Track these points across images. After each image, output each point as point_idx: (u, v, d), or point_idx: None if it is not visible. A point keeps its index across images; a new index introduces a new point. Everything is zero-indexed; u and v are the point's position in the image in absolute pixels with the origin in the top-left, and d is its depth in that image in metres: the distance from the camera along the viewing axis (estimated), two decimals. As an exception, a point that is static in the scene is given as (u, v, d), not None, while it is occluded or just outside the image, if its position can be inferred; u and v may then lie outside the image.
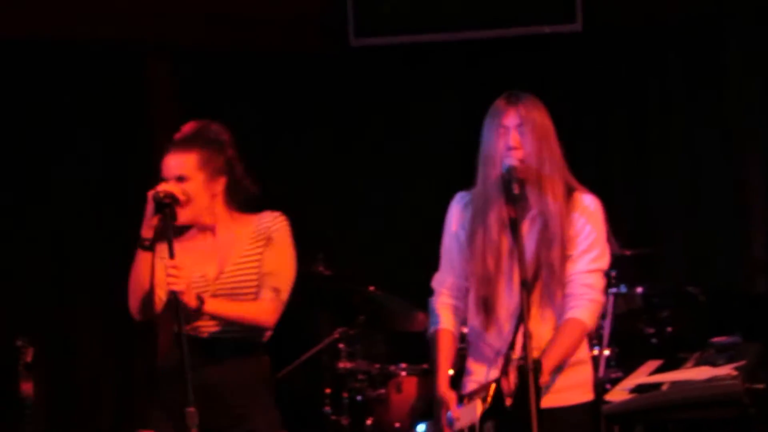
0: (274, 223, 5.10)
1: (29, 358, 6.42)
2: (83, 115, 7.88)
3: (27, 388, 6.35)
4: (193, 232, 5.10)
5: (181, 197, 4.92)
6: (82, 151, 7.89)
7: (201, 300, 4.84)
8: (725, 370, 5.47)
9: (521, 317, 4.67)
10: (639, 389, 5.65)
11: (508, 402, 4.62)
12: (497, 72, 8.42)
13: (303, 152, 8.39)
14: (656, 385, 5.62)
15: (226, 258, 5.09)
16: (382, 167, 8.67)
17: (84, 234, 7.81)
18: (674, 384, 5.55)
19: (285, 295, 5.05)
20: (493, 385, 4.70)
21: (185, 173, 5.00)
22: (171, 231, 4.88)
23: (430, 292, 5.15)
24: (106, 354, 7.90)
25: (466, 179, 5.05)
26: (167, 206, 4.87)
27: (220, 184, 5.08)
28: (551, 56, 8.34)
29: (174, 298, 4.78)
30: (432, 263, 5.15)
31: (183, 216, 4.98)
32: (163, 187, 4.90)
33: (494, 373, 4.82)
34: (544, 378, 4.65)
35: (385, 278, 7.83)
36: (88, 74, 7.89)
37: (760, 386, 5.37)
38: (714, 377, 5.45)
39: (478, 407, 4.73)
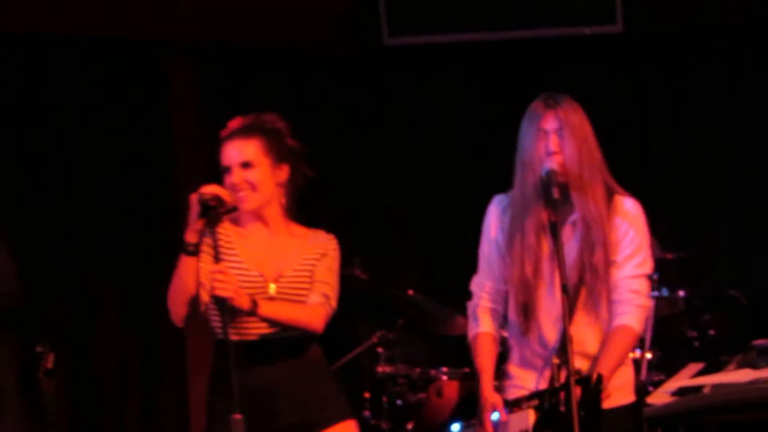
0: (330, 245, 5.13)
1: (50, 364, 6.46)
2: (106, 112, 7.88)
3: (47, 392, 6.39)
4: (249, 227, 5.09)
5: (228, 198, 4.85)
6: (104, 150, 7.88)
7: (255, 303, 4.81)
8: (767, 373, 5.49)
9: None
10: (681, 392, 5.63)
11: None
12: (535, 72, 8.49)
13: (333, 153, 8.30)
14: (698, 388, 5.60)
15: (285, 263, 5.08)
16: (414, 167, 8.70)
17: (106, 234, 7.80)
18: (716, 387, 5.53)
19: (334, 302, 5.08)
20: (547, 396, 4.73)
21: (251, 159, 4.99)
22: (216, 235, 4.85)
23: (468, 295, 5.18)
24: (130, 356, 7.89)
25: (501, 181, 5.08)
26: (212, 209, 4.79)
27: (285, 172, 5.08)
28: (591, 57, 8.35)
29: (221, 304, 4.76)
30: (469, 266, 5.18)
31: (250, 203, 4.99)
32: (208, 189, 4.83)
33: (542, 381, 4.89)
34: (607, 392, 4.70)
35: (423, 281, 7.98)
36: (111, 71, 7.89)
37: None
38: (756, 380, 5.43)
39: (530, 416, 4.75)
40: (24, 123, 7.64)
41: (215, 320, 5.01)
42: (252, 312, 4.83)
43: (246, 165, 4.98)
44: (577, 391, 4.61)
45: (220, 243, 4.94)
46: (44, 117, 7.71)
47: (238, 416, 4.64)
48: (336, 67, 8.47)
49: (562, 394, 4.65)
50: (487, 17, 8.35)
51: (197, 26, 7.99)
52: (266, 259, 5.04)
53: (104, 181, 7.85)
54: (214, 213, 4.82)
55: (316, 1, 8.32)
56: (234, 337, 4.92)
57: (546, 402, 4.70)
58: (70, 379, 7.29)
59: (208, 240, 4.92)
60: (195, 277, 4.89)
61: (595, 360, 4.87)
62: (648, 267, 4.95)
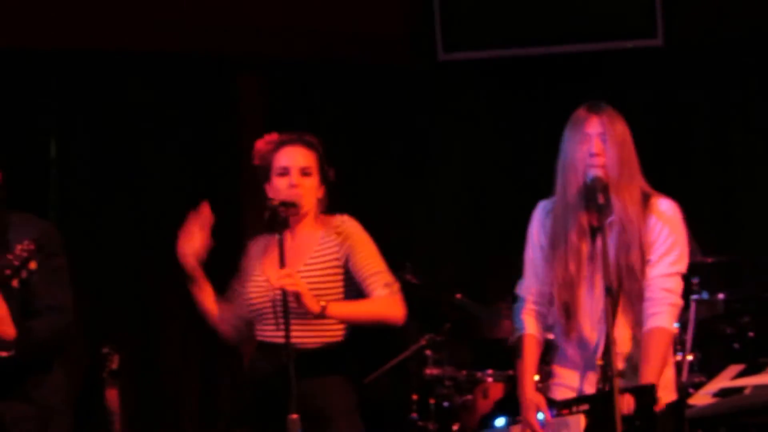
0: (347, 229, 5.05)
1: (115, 365, 6.43)
2: (176, 124, 7.92)
3: (112, 395, 6.35)
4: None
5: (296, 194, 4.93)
6: (171, 161, 7.91)
7: (323, 306, 4.79)
8: None
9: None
10: (722, 393, 5.60)
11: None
12: (580, 85, 8.35)
13: (389, 163, 8.38)
14: (739, 389, 5.56)
15: (296, 262, 5.00)
16: (465, 174, 8.67)
17: (169, 243, 7.80)
18: (757, 388, 5.48)
19: (397, 286, 5.01)
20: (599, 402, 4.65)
21: (311, 168, 5.02)
22: (282, 242, 4.83)
23: (514, 299, 5.10)
24: (189, 359, 7.89)
25: (546, 188, 4.99)
26: (284, 213, 4.89)
27: (322, 191, 5.08)
28: (633, 70, 8.27)
29: (284, 303, 4.75)
30: (515, 271, 5.09)
31: (301, 207, 4.98)
32: (275, 197, 4.93)
33: (585, 382, 4.83)
34: (660, 404, 4.61)
35: (470, 286, 7.82)
36: (183, 85, 7.93)
37: None
38: None
39: (581, 421, 4.67)
40: (105, 135, 7.68)
41: (261, 326, 5.04)
42: (321, 314, 4.81)
43: (305, 172, 5.00)
44: (628, 399, 4.55)
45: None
46: (123, 129, 7.74)
47: (294, 416, 4.63)
48: (394, 80, 8.48)
49: (622, 404, 4.56)
50: (532, 33, 8.35)
51: (266, 43, 8.05)
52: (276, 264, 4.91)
53: (171, 190, 7.84)
54: (284, 218, 4.88)
55: (377, 19, 8.36)
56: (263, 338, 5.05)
57: (598, 408, 4.60)
58: (133, 380, 7.23)
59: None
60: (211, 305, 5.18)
61: (632, 363, 4.78)
62: (682, 265, 4.81)
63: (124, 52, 7.66)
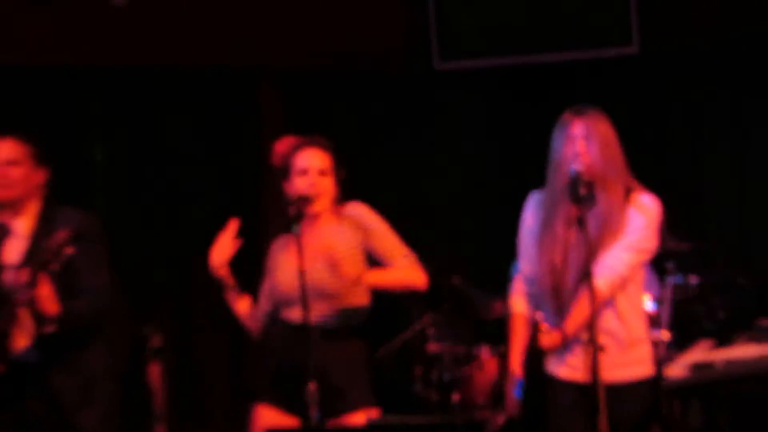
0: (363, 216, 5.15)
1: (156, 343, 6.47)
2: (206, 129, 7.96)
3: (154, 370, 6.39)
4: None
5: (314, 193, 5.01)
6: (201, 163, 7.95)
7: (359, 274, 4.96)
8: None
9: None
10: (695, 366, 5.61)
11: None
12: (567, 91, 8.38)
13: (391, 157, 8.41)
14: (710, 363, 5.57)
15: (319, 253, 5.08)
16: (459, 172, 8.67)
17: (200, 237, 7.84)
18: (727, 362, 5.50)
19: (414, 256, 5.20)
20: None
21: (327, 170, 5.08)
22: (300, 233, 4.90)
23: (507, 280, 5.17)
24: (221, 336, 7.90)
25: (534, 181, 5.07)
26: (303, 207, 4.95)
27: (337, 187, 5.15)
28: (613, 75, 8.26)
29: (302, 288, 4.79)
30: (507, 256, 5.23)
31: (319, 206, 5.06)
32: (293, 193, 5.01)
33: (573, 356, 4.86)
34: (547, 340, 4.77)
35: (468, 270, 7.82)
36: (211, 95, 7.97)
37: None
38: (763, 355, 5.41)
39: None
40: (144, 141, 7.74)
41: (288, 309, 5.12)
42: (358, 281, 4.99)
43: (323, 172, 5.05)
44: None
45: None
46: (159, 136, 7.79)
47: (312, 386, 4.69)
48: (395, 87, 8.49)
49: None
50: (520, 44, 8.31)
51: (284, 56, 8.06)
52: (306, 253, 4.96)
53: (205, 188, 7.92)
54: (302, 212, 4.92)
55: (378, 32, 8.33)
56: (286, 318, 5.13)
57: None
58: (171, 354, 7.18)
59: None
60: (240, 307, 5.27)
61: (614, 338, 4.83)
62: (643, 246, 4.84)
63: (159, 68, 7.71)
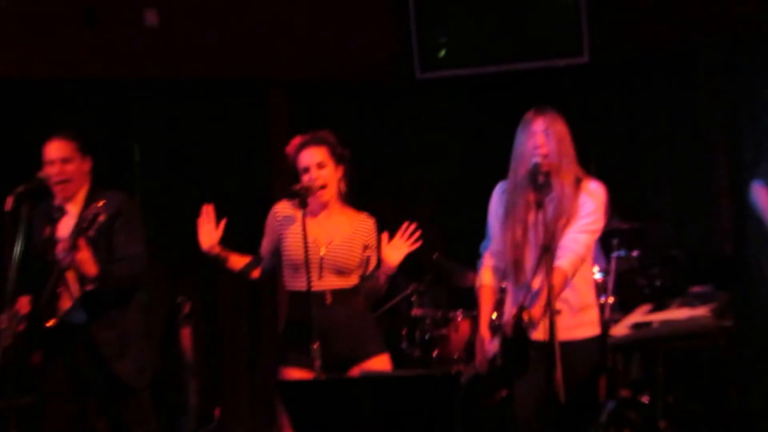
0: (373, 234, 5.21)
1: (187, 310, 6.50)
2: (222, 132, 7.94)
3: (185, 333, 6.42)
4: (312, 209, 5.13)
5: (319, 184, 5.04)
6: (219, 160, 7.94)
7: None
8: (701, 311, 5.44)
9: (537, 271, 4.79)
10: (636, 326, 5.61)
11: (508, 331, 4.71)
12: (527, 95, 8.23)
13: (381, 157, 8.36)
14: (649, 323, 5.58)
15: (335, 234, 5.14)
16: (440, 166, 8.67)
17: (226, 218, 7.83)
18: (662, 322, 5.51)
19: None
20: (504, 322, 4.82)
21: (323, 161, 5.07)
22: (305, 212, 4.97)
23: (478, 255, 5.20)
24: (241, 304, 7.94)
25: (501, 173, 5.11)
26: (302, 194, 4.98)
27: (341, 171, 5.15)
28: (566, 82, 8.25)
29: (307, 273, 4.86)
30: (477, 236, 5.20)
31: (326, 195, 5.09)
32: (303, 184, 5.04)
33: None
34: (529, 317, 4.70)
35: (445, 247, 7.90)
36: (226, 102, 7.95)
37: (728, 323, 5.35)
38: (693, 316, 5.42)
39: (497, 341, 4.85)
40: (175, 142, 7.74)
41: (296, 276, 5.12)
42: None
43: (320, 165, 5.07)
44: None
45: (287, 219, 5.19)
46: (186, 138, 7.78)
47: (315, 345, 4.73)
48: (381, 95, 8.47)
49: (507, 323, 4.75)
50: (489, 55, 8.25)
51: (288, 68, 8.05)
52: (320, 231, 5.09)
53: (223, 181, 7.88)
54: (303, 197, 4.96)
55: (368, 49, 8.30)
56: (298, 288, 5.10)
57: (502, 331, 4.79)
58: (200, 320, 7.25)
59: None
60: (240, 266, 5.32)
61: (567, 303, 4.87)
62: (594, 227, 4.89)
63: (184, 79, 7.70)
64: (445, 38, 8.28)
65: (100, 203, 4.97)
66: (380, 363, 5.10)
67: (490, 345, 4.92)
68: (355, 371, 5.01)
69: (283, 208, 5.26)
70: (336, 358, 4.93)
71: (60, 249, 5.00)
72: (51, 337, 5.20)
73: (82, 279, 5.12)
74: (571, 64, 8.06)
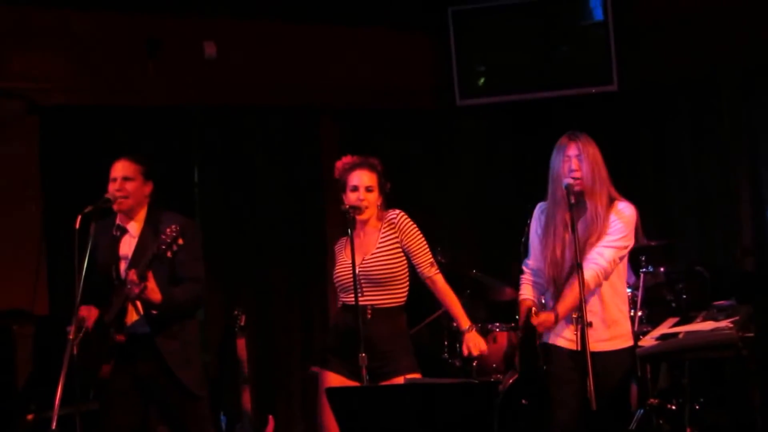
0: (400, 222, 5.19)
1: (242, 323, 6.51)
2: (279, 155, 7.97)
3: (241, 344, 6.43)
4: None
5: (364, 206, 5.09)
6: (275, 181, 7.95)
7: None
8: (724, 323, 5.41)
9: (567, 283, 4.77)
10: (662, 337, 5.58)
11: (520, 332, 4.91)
12: (559, 121, 8.32)
13: (422, 176, 8.39)
14: (675, 334, 5.54)
15: (368, 248, 5.17)
16: (480, 186, 8.69)
17: (275, 240, 7.85)
18: (688, 333, 5.47)
19: (437, 266, 5.29)
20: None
21: (373, 186, 5.14)
22: (353, 233, 5.00)
23: (517, 271, 5.23)
24: (292, 315, 7.94)
25: (534, 194, 5.16)
26: (351, 214, 5.03)
27: (381, 199, 5.21)
28: (597, 108, 8.24)
29: (355, 287, 4.90)
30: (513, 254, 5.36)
31: (366, 215, 5.13)
32: (348, 202, 5.09)
33: (567, 330, 4.90)
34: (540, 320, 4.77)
35: (482, 265, 7.84)
36: (282, 128, 7.99)
37: (750, 334, 5.31)
38: (716, 328, 5.38)
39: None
40: (231, 165, 7.77)
41: (345, 294, 5.18)
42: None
43: (368, 189, 5.12)
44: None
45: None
46: (242, 161, 7.82)
47: (363, 354, 4.78)
48: (425, 119, 8.51)
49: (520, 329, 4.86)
50: (524, 84, 8.27)
51: (339, 96, 8.12)
52: (357, 252, 5.09)
53: (278, 201, 7.90)
54: (352, 218, 5.02)
55: (412, 78, 8.40)
56: (345, 301, 5.17)
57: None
58: (255, 331, 7.34)
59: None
60: None
61: (598, 317, 4.86)
62: (620, 244, 4.88)
63: (241, 107, 7.77)
64: (483, 67, 8.30)
65: (177, 227, 5.00)
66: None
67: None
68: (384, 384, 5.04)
69: (339, 243, 5.35)
70: (369, 371, 4.90)
71: (130, 280, 5.03)
72: (119, 349, 5.25)
73: (147, 303, 5.16)
74: (601, 91, 8.06)
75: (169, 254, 4.97)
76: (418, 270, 5.19)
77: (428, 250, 5.21)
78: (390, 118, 8.29)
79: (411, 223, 5.21)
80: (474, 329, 5.21)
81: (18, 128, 7.08)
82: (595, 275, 4.79)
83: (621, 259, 4.92)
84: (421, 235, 5.20)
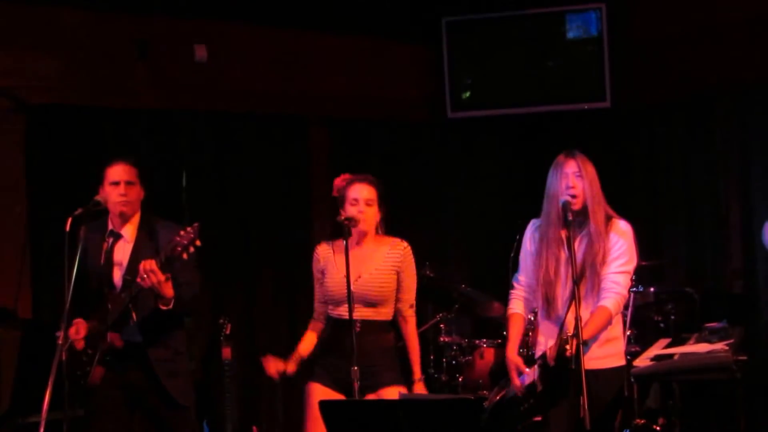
0: (406, 254, 5.23)
1: (228, 331, 6.50)
2: (267, 162, 7.94)
3: (227, 352, 6.42)
4: (350, 242, 5.09)
5: (361, 218, 5.09)
6: (264, 188, 7.92)
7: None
8: (719, 346, 5.44)
9: (571, 305, 4.68)
10: (657, 358, 5.60)
11: (551, 361, 4.66)
12: (549, 136, 8.46)
13: (413, 190, 8.37)
14: (670, 356, 5.57)
15: (365, 267, 5.16)
16: (468, 201, 8.68)
17: (262, 248, 7.84)
18: (683, 355, 5.50)
19: (414, 308, 5.34)
20: (547, 352, 4.73)
21: (373, 201, 5.15)
22: (348, 247, 4.97)
23: (503, 287, 5.29)
24: (278, 323, 7.91)
25: (528, 210, 5.13)
26: (348, 225, 5.02)
27: (381, 214, 5.23)
28: (589, 124, 8.28)
29: (349, 298, 4.90)
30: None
31: (364, 227, 5.13)
32: (345, 215, 5.08)
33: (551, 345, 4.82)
34: (572, 348, 4.61)
35: (472, 279, 7.91)
36: (272, 136, 7.96)
37: (744, 358, 5.34)
38: (712, 351, 5.41)
39: (536, 369, 4.79)
40: (220, 171, 7.73)
41: (336, 307, 5.19)
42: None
43: (368, 203, 5.13)
44: (554, 345, 4.68)
45: (324, 257, 5.27)
46: (231, 167, 7.78)
47: (355, 368, 4.79)
48: (416, 131, 8.52)
49: (549, 351, 4.70)
50: (515, 98, 8.30)
51: (329, 106, 8.11)
52: (352, 266, 5.05)
53: (267, 208, 7.87)
54: (348, 228, 5.02)
55: (404, 90, 8.41)
56: (336, 315, 5.19)
57: (544, 360, 4.74)
58: (240, 340, 7.28)
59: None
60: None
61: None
62: (630, 267, 4.90)
63: (231, 113, 7.73)
64: (469, 80, 8.32)
65: (194, 227, 4.98)
66: (393, 394, 5.07)
67: (528, 374, 4.90)
68: (371, 397, 5.05)
69: (323, 251, 5.33)
70: (351, 382, 4.91)
71: (143, 271, 5.00)
72: (111, 355, 5.23)
73: (159, 297, 5.12)
74: (594, 107, 8.09)
75: (185, 256, 4.97)
76: (398, 304, 5.26)
77: (415, 291, 5.28)
78: (381, 128, 8.29)
79: (413, 259, 5.27)
80: (422, 382, 5.27)
81: (4, 127, 7.01)
82: (617, 304, 4.82)
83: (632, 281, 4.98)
84: (414, 273, 5.28)
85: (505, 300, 7.16)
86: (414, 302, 5.28)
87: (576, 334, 4.58)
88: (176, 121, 7.52)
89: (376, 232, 5.25)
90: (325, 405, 4.36)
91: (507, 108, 8.31)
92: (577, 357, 4.52)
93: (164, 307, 5.11)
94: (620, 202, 6.76)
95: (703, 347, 5.49)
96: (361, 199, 5.14)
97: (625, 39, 8.03)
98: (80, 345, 5.23)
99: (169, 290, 5.07)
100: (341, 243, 5.07)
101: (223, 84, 7.65)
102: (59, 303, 5.32)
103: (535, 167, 8.01)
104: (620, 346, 5.01)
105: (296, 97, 7.94)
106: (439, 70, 8.33)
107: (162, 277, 4.99)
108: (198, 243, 4.97)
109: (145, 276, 4.97)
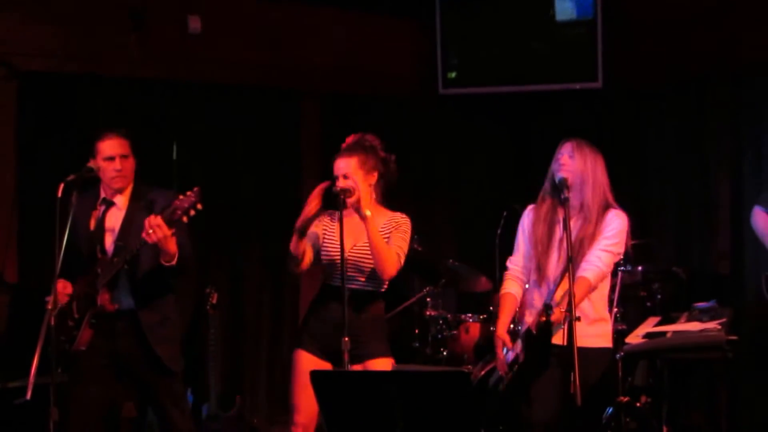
0: (403, 221, 5.16)
1: (214, 300, 6.45)
2: (258, 136, 7.86)
3: (212, 321, 6.38)
4: (345, 212, 5.00)
5: (353, 188, 4.98)
6: (255, 161, 7.85)
7: (368, 214, 4.91)
8: (711, 325, 5.44)
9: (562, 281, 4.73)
10: (649, 335, 5.59)
11: (533, 329, 4.68)
12: (542, 115, 8.40)
13: (403, 165, 8.23)
14: (662, 333, 5.56)
15: (360, 237, 5.07)
16: (460, 177, 8.64)
17: (255, 219, 7.79)
18: (676, 333, 5.50)
19: (403, 259, 5.08)
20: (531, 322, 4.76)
21: (349, 172, 5.04)
22: (342, 210, 4.89)
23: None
24: (264, 294, 7.85)
25: (513, 184, 5.09)
26: (343, 196, 4.93)
27: (374, 177, 5.13)
28: (580, 104, 8.22)
29: (342, 268, 4.81)
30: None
31: (352, 199, 4.98)
32: (340, 184, 5.00)
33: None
34: (556, 316, 4.63)
35: (460, 253, 7.89)
36: (263, 108, 7.87)
37: (735, 337, 5.34)
38: (705, 330, 5.41)
39: (519, 343, 4.81)
40: (210, 143, 7.63)
41: (331, 273, 5.12)
42: (364, 218, 4.91)
43: (345, 176, 5.05)
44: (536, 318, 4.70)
45: (324, 223, 5.19)
46: (222, 139, 7.69)
47: (346, 339, 4.68)
48: (407, 107, 8.43)
49: (533, 321, 4.72)
50: (507, 76, 8.21)
51: (321, 80, 8.02)
52: (349, 234, 5.00)
53: (257, 182, 7.82)
54: (343, 199, 4.93)
55: (396, 66, 8.33)
56: (329, 282, 5.12)
57: (528, 331, 4.75)
58: (225, 310, 7.26)
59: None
60: (302, 249, 5.09)
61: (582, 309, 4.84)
62: (616, 249, 4.90)
63: (223, 84, 7.64)
64: (457, 62, 8.25)
65: (197, 192, 4.90)
66: (380, 365, 5.04)
67: (513, 349, 4.86)
68: (357, 368, 4.97)
69: (329, 212, 5.25)
70: (339, 351, 4.83)
71: (149, 226, 4.90)
72: (100, 319, 5.15)
73: (164, 253, 5.03)
74: (585, 87, 8.01)
75: (185, 219, 4.91)
76: None
77: (405, 245, 5.11)
78: (373, 103, 8.18)
79: (408, 223, 5.16)
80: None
81: (-4, 93, 6.94)
82: (597, 276, 4.81)
83: (614, 264, 4.96)
84: (408, 233, 5.14)
85: (491, 275, 7.17)
86: (402, 253, 5.08)
87: (569, 309, 4.51)
88: (168, 91, 7.43)
89: (377, 200, 5.17)
90: (316, 375, 4.27)
91: (499, 86, 8.24)
92: (570, 335, 4.45)
93: (167, 264, 5.07)
94: (610, 180, 6.74)
95: (695, 326, 5.47)
96: (339, 175, 5.09)
97: (619, 20, 7.96)
98: (64, 300, 5.17)
99: (173, 246, 5.03)
100: (346, 211, 4.99)
101: (216, 55, 7.55)
102: (46, 268, 5.33)
103: (525, 145, 7.98)
104: (608, 328, 5.01)
105: (288, 70, 7.85)
106: (432, 46, 8.25)
107: (168, 232, 4.94)
108: (200, 207, 4.92)
109: (150, 231, 4.92)
